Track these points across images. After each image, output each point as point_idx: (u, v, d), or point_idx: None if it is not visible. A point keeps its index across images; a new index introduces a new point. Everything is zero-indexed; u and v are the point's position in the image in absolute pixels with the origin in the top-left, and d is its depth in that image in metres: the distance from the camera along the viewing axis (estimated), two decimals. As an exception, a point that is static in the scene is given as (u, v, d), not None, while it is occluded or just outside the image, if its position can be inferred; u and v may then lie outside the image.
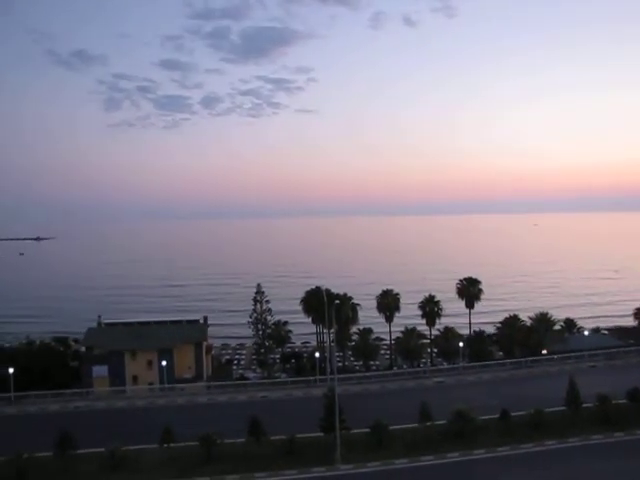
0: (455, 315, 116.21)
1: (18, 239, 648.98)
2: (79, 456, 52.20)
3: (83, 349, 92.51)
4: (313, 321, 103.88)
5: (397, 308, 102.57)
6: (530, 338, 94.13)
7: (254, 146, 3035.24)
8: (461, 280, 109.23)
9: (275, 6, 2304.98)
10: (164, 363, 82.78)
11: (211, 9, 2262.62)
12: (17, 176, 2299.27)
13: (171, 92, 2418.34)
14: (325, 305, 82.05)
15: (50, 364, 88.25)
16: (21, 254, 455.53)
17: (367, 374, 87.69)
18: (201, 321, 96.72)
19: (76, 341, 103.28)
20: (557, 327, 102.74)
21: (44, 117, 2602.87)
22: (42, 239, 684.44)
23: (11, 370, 76.41)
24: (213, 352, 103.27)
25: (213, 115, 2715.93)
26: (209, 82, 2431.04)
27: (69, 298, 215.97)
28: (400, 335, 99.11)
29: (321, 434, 54.96)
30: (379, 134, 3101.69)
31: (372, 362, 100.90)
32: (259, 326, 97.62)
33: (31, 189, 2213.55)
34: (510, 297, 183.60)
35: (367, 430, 54.68)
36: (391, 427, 54.98)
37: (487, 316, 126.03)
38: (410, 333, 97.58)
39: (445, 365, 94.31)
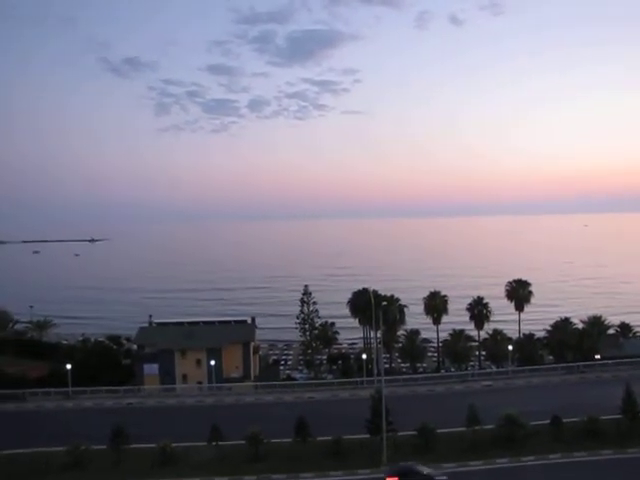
0: (504, 321, 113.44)
1: (73, 240, 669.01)
2: (131, 450, 53.78)
3: (135, 347, 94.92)
4: (360, 322, 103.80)
5: (445, 310, 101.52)
6: (582, 342, 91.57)
7: (301, 148, 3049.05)
8: (510, 282, 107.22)
9: (320, 9, 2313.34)
10: (213, 362, 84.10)
11: (257, 14, 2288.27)
12: (69, 179, 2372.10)
13: (219, 96, 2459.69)
14: (372, 306, 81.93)
15: (104, 361, 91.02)
16: (76, 255, 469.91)
17: (414, 376, 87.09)
18: (249, 321, 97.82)
19: (128, 339, 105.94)
20: (611, 331, 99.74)
21: (97, 122, 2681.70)
22: (96, 240, 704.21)
23: (69, 366, 79.44)
24: (260, 352, 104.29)
25: (260, 118, 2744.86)
26: (256, 86, 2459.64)
27: (121, 297, 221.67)
28: (448, 337, 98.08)
29: (367, 436, 54.98)
30: (428, 134, 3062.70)
31: (419, 364, 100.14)
32: (306, 327, 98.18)
33: (83, 191, 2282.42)
34: (561, 300, 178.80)
35: (414, 433, 54.46)
36: (438, 430, 54.66)
37: (537, 319, 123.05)
38: (458, 335, 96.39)
39: (493, 369, 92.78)
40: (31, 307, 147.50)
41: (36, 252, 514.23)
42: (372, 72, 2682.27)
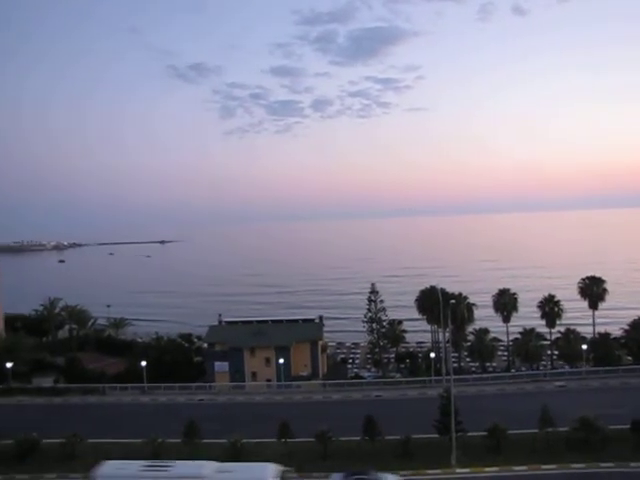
0: (577, 323, 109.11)
1: (144, 242, 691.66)
2: (203, 445, 55.39)
3: (205, 345, 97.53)
4: (428, 321, 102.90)
5: (514, 308, 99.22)
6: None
7: (365, 147, 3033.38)
8: (583, 279, 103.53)
9: (380, 6, 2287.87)
10: (281, 361, 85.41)
11: (317, 14, 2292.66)
12: (138, 183, 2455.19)
13: (282, 97, 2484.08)
14: (440, 305, 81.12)
15: (177, 359, 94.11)
16: (148, 257, 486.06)
17: (484, 376, 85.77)
18: (317, 320, 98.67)
19: (199, 338, 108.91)
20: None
21: (166, 127, 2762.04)
22: (166, 242, 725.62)
23: (144, 363, 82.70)
24: (328, 351, 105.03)
25: (324, 118, 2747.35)
26: (319, 85, 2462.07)
27: (191, 297, 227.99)
28: (518, 336, 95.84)
29: (436, 436, 54.51)
30: (494, 129, 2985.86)
31: (488, 363, 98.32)
32: (374, 325, 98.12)
33: (154, 195, 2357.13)
34: (638, 298, 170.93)
35: (484, 433, 53.53)
36: (509, 431, 53.41)
37: (613, 318, 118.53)
38: (529, 334, 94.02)
39: (567, 369, 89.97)
40: (108, 306, 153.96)
41: (111, 254, 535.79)
42: (435, 68, 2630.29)
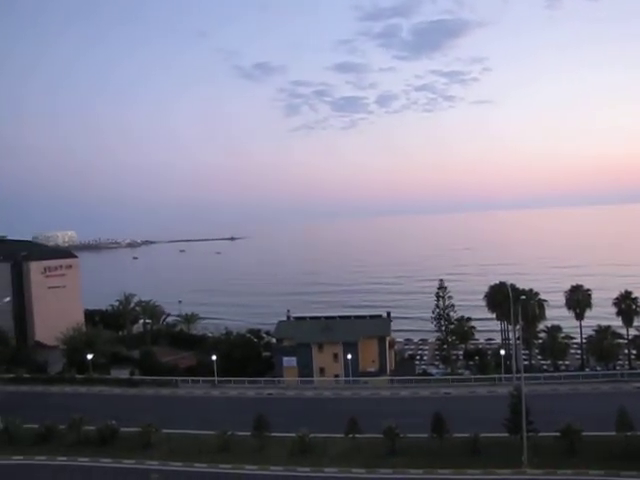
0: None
1: (215, 239, 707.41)
2: (272, 438, 56.51)
3: (274, 341, 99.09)
4: (497, 317, 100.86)
5: (588, 305, 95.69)
6: None
7: (431, 141, 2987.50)
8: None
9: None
10: (349, 356, 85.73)
11: (380, 9, 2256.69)
12: (206, 181, 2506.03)
13: (347, 94, 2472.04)
14: (510, 301, 79.35)
15: (246, 353, 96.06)
16: (218, 253, 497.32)
17: (555, 374, 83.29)
18: (384, 316, 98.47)
19: (268, 333, 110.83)
20: None
21: (232, 126, 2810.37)
22: (236, 239, 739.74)
23: (214, 357, 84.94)
24: (396, 347, 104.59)
25: (389, 113, 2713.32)
26: (383, 81, 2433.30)
27: (260, 292, 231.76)
28: (592, 334, 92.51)
29: (506, 435, 53.49)
30: (563, 121, 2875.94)
31: (561, 362, 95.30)
32: (442, 322, 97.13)
33: (222, 193, 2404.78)
34: None
35: (557, 434, 52.06)
36: (583, 433, 51.67)
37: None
38: (604, 332, 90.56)
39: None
40: (180, 302, 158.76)
41: (182, 251, 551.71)
42: (502, 59, 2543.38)
